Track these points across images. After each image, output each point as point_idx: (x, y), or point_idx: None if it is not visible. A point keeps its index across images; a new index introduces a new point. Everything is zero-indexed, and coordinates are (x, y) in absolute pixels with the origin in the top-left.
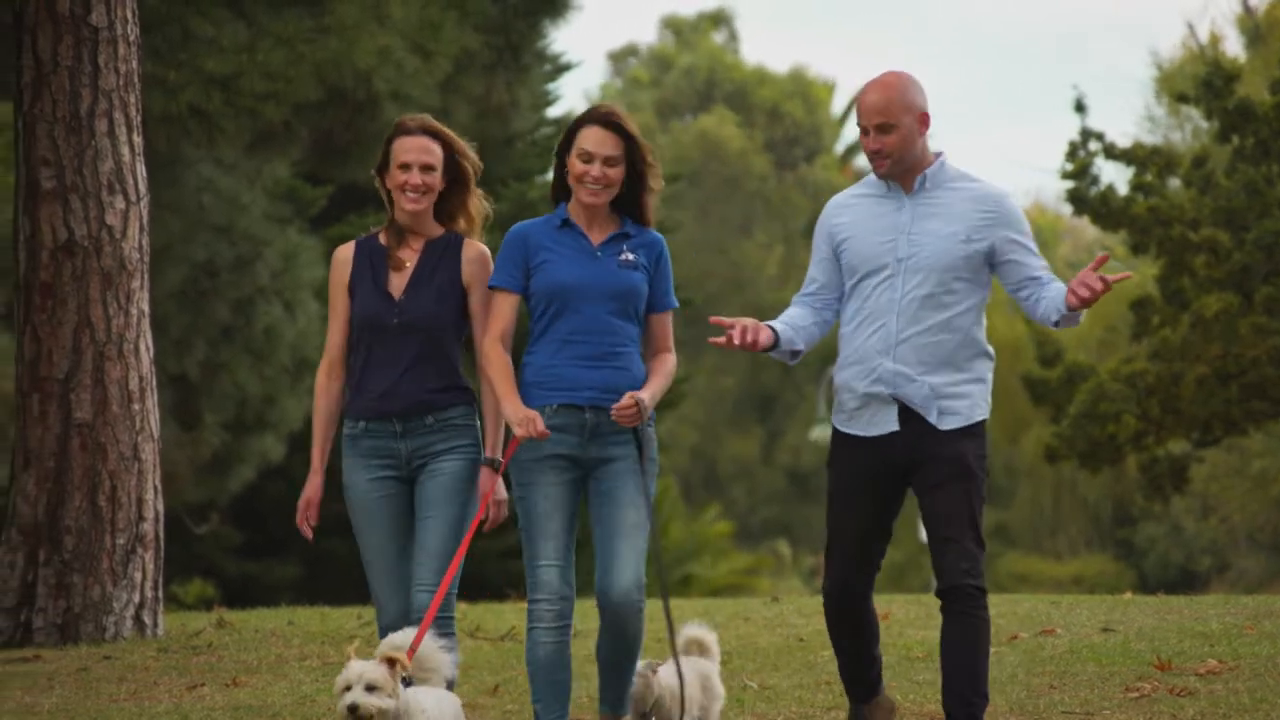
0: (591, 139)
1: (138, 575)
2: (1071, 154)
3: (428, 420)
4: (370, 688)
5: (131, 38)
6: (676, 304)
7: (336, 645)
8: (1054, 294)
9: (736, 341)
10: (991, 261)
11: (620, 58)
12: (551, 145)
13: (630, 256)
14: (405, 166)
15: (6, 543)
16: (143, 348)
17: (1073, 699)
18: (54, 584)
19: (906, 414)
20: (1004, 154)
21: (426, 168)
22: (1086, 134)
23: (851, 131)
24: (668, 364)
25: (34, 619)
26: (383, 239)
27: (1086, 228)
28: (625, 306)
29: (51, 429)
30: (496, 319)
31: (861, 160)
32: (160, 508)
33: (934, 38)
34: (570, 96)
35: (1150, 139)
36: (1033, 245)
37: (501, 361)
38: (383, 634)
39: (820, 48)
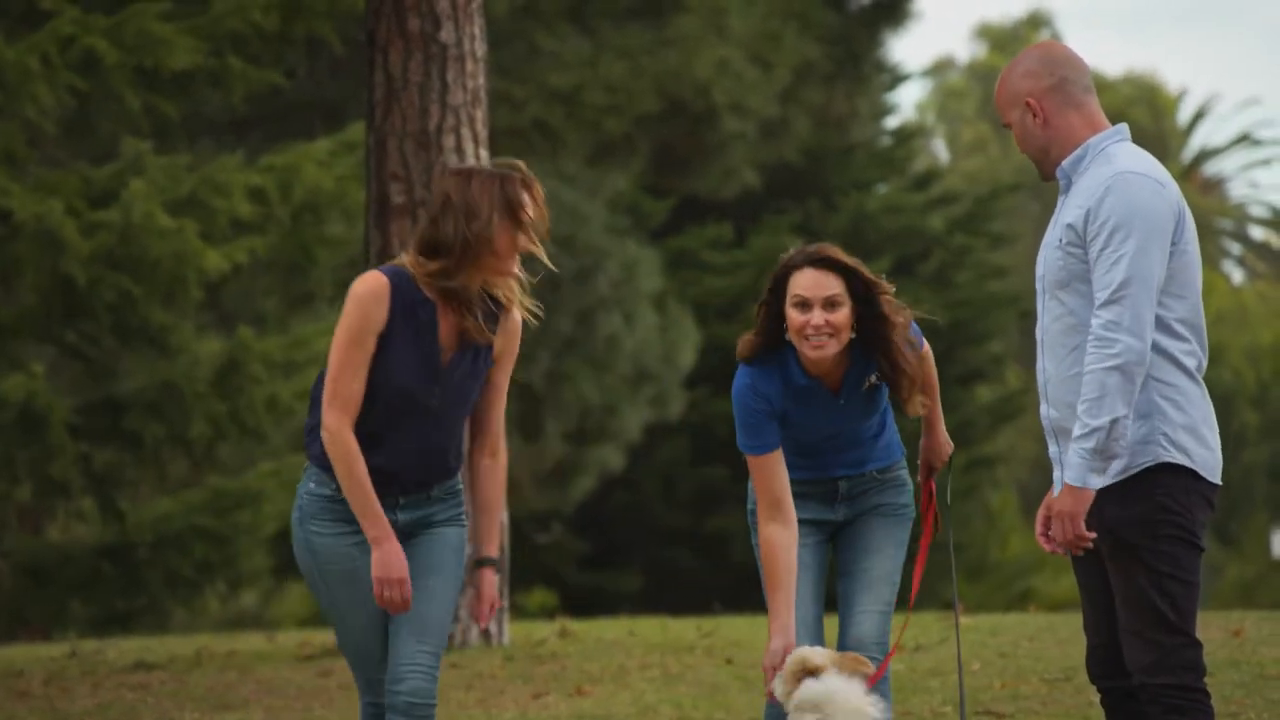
0: (804, 282)
1: None
2: None
3: (433, 492)
4: None
5: (479, 54)
6: None
7: (678, 656)
8: (1086, 377)
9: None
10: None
11: (939, 70)
12: (890, 157)
13: (874, 379)
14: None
15: None
16: None
17: None
18: None
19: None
20: None
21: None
22: None
23: (1199, 139)
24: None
25: None
26: (425, 290)
27: None
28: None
29: None
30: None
31: (1210, 168)
32: (505, 517)
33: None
34: (904, 107)
35: None
36: (1112, 249)
37: (771, 551)
38: None
39: (1156, 51)
